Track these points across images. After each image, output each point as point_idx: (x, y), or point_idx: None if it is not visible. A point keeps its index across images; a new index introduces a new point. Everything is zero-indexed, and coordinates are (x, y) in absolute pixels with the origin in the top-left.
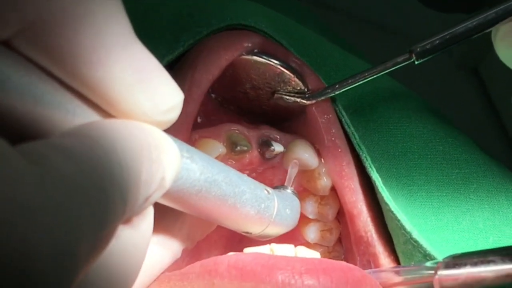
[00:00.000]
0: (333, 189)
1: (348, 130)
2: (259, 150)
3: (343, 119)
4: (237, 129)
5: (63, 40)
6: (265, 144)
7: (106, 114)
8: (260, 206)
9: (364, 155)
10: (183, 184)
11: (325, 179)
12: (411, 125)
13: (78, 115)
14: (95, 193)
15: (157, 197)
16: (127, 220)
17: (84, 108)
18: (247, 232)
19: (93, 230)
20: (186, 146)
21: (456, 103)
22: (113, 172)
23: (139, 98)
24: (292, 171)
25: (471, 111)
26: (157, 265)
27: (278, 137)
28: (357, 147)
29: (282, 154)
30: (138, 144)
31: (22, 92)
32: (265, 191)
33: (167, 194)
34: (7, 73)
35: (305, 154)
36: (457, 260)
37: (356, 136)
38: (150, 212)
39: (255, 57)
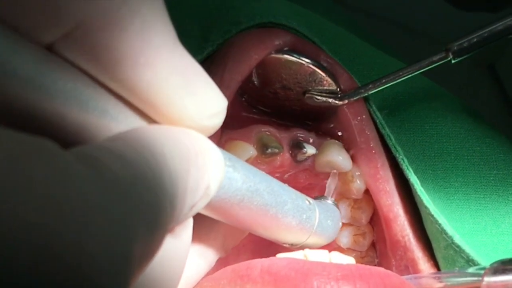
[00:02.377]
0: (367, 192)
1: (383, 131)
2: (290, 152)
3: (377, 121)
4: (267, 131)
5: (109, 42)
6: (296, 146)
7: (149, 120)
8: (302, 216)
9: (400, 157)
10: (226, 193)
11: (359, 182)
12: (447, 125)
13: (122, 122)
14: (148, 197)
15: (202, 205)
16: (170, 230)
17: (129, 114)
18: (287, 243)
19: (147, 236)
20: (228, 154)
21: (472, 100)
22: (163, 178)
23: (186, 102)
24: (332, 182)
25: (487, 108)
26: (195, 275)
27: (310, 139)
28: (393, 149)
29: (314, 156)
30: (185, 150)
31: (67, 98)
32: (307, 201)
33: (209, 204)
34: (52, 79)
35: (338, 157)
36: (507, 265)
37: (392, 138)
38: (190, 222)
39: (286, 56)
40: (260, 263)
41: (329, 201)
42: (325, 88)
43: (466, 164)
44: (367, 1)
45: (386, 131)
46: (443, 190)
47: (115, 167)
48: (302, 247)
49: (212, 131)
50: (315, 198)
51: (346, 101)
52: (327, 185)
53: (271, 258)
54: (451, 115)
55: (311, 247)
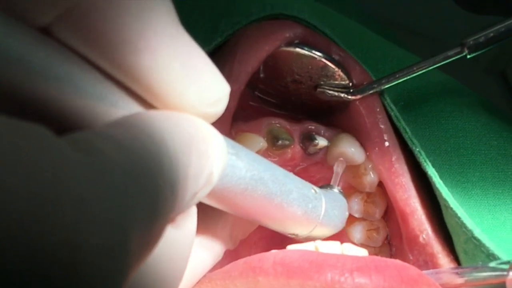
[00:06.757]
0: (380, 186)
1: (398, 124)
2: (301, 144)
3: (392, 113)
4: (278, 123)
5: (107, 24)
6: (308, 138)
7: (149, 106)
8: (308, 206)
9: (417, 149)
10: (229, 182)
11: (372, 175)
12: (463, 119)
13: (121, 107)
14: (147, 184)
15: (204, 193)
16: (171, 219)
17: (127, 100)
18: (293, 234)
19: (145, 225)
20: (231, 142)
21: None
22: (163, 164)
23: (187, 89)
24: (339, 170)
25: None
26: (200, 267)
27: (322, 131)
28: (409, 142)
29: (326, 149)
30: (187, 136)
31: (63, 83)
32: (312, 191)
33: (211, 193)
34: (47, 62)
35: (351, 149)
36: None
37: (408, 131)
38: (193, 212)
39: (297, 49)
40: (272, 255)
41: (336, 190)
42: (337, 82)
43: (483, 158)
44: (375, 7)
45: (402, 124)
46: (460, 185)
47: (111, 153)
48: (308, 237)
49: (214, 118)
50: (321, 187)
51: (359, 96)
52: (334, 173)
53: (284, 250)
54: (467, 109)
55: (317, 237)
